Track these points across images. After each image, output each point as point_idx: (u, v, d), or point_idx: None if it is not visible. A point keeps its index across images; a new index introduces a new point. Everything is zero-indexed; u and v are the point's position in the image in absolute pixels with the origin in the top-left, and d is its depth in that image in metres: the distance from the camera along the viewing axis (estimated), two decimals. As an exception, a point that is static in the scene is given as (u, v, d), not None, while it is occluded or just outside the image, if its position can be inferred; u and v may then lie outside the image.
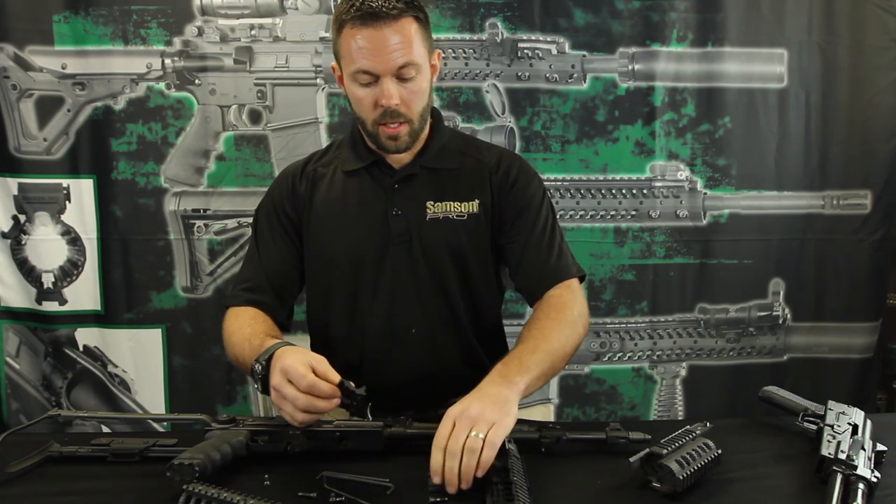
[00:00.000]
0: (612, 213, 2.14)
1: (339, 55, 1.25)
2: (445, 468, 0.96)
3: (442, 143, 1.37)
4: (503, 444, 1.03)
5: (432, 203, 1.32)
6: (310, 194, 1.36)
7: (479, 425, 0.98)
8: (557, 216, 1.43)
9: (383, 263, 1.32)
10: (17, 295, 2.07)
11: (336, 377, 1.06)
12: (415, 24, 1.22)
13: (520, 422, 1.14)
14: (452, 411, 1.01)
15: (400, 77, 1.21)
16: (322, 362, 1.06)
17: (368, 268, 1.33)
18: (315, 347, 1.43)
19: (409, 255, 1.32)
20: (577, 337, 1.24)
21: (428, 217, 1.32)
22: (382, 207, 1.32)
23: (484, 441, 0.96)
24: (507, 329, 1.48)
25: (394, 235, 1.31)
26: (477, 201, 1.33)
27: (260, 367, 1.08)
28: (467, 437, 0.97)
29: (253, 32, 2.01)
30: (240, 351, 1.22)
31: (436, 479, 0.98)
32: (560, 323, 1.23)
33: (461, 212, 1.32)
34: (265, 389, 1.09)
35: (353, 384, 1.06)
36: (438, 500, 0.96)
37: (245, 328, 1.24)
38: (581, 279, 1.35)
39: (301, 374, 1.03)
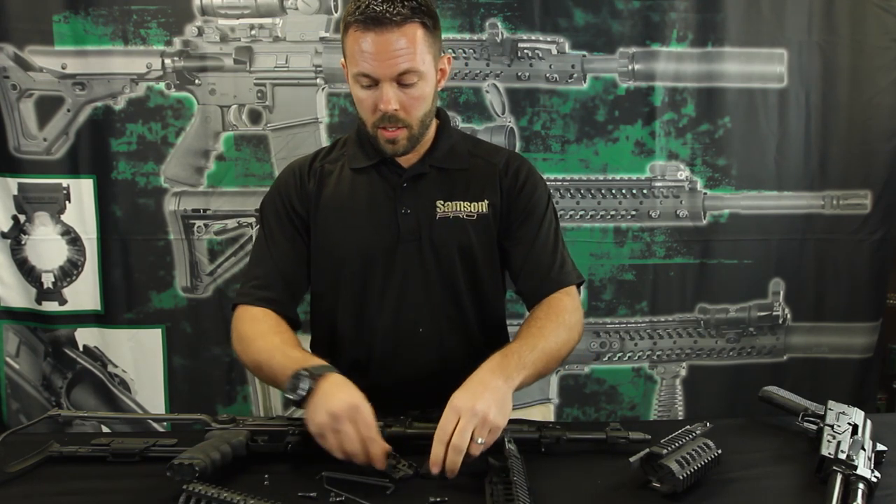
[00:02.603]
0: (612, 213, 2.14)
1: (344, 55, 1.26)
2: (447, 461, 0.99)
3: (450, 143, 1.37)
4: (503, 444, 1.04)
5: (442, 202, 1.32)
6: (318, 190, 1.35)
7: (482, 428, 1.01)
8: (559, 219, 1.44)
9: (393, 261, 1.32)
10: (17, 295, 2.07)
11: (386, 446, 1.05)
12: (420, 30, 1.21)
13: (520, 422, 1.15)
14: (457, 404, 1.03)
15: (400, 83, 1.21)
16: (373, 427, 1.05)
17: (377, 266, 1.33)
18: (319, 346, 1.43)
19: (418, 253, 1.32)
20: (573, 342, 1.27)
21: (438, 216, 1.32)
22: (391, 206, 1.32)
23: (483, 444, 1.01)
24: (509, 329, 1.48)
25: (403, 234, 1.31)
26: (486, 201, 1.34)
27: (309, 382, 1.06)
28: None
29: (253, 32, 2.01)
30: (267, 357, 1.19)
31: (434, 470, 1.00)
32: (559, 326, 1.24)
33: (471, 211, 1.33)
34: (300, 402, 1.07)
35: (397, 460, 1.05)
36: (438, 500, 0.97)
37: (272, 336, 1.23)
38: (579, 285, 1.36)
39: (368, 423, 1.03)
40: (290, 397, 1.08)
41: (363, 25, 1.18)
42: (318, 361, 1.13)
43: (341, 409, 1.02)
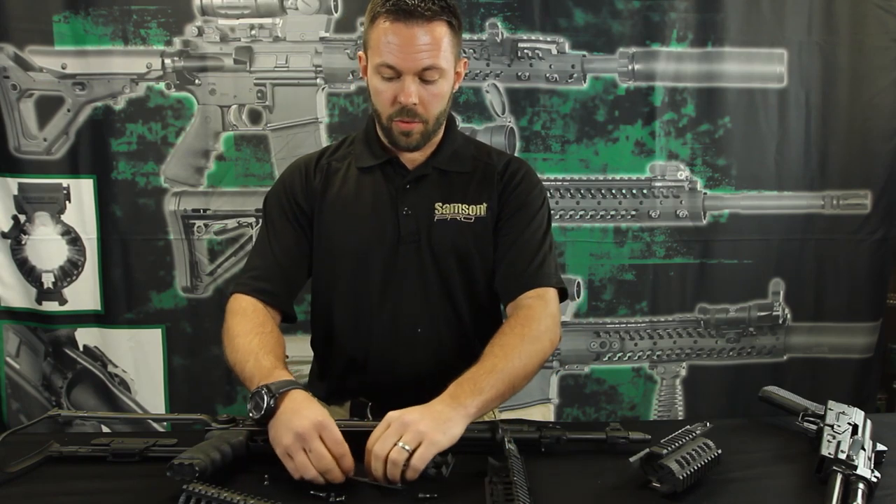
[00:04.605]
0: (612, 213, 2.14)
1: (368, 45, 1.27)
2: (372, 468, 0.99)
3: (455, 147, 1.38)
4: (503, 444, 1.04)
5: (441, 204, 1.33)
6: (323, 187, 1.36)
7: (408, 435, 0.99)
8: (553, 224, 1.43)
9: (393, 262, 1.33)
10: (17, 295, 2.07)
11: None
12: (446, 28, 1.23)
13: (520, 422, 1.15)
14: (391, 415, 1.03)
15: (422, 78, 1.23)
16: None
17: (377, 266, 1.33)
18: (318, 345, 1.44)
19: (417, 254, 1.32)
20: (542, 352, 1.23)
21: (436, 218, 1.32)
22: (394, 206, 1.33)
23: (411, 455, 0.97)
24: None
25: (404, 235, 1.32)
26: (485, 205, 1.34)
27: (269, 400, 1.06)
28: (395, 445, 0.98)
29: (253, 32, 2.01)
30: (241, 360, 1.19)
31: (368, 477, 0.99)
32: (524, 339, 1.20)
33: (469, 214, 1.33)
34: (262, 419, 1.06)
35: None
36: (428, 496, 0.97)
37: (252, 336, 1.22)
38: (562, 294, 1.33)
39: (336, 439, 1.00)
40: (252, 415, 1.08)
41: (393, 16, 1.20)
42: (285, 375, 1.12)
43: (307, 428, 1.00)
